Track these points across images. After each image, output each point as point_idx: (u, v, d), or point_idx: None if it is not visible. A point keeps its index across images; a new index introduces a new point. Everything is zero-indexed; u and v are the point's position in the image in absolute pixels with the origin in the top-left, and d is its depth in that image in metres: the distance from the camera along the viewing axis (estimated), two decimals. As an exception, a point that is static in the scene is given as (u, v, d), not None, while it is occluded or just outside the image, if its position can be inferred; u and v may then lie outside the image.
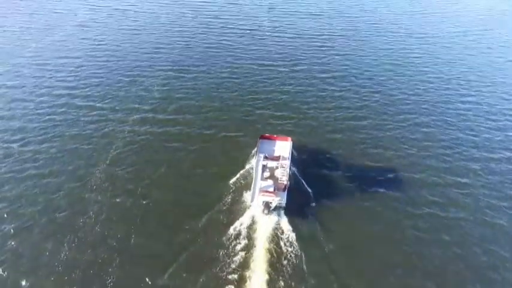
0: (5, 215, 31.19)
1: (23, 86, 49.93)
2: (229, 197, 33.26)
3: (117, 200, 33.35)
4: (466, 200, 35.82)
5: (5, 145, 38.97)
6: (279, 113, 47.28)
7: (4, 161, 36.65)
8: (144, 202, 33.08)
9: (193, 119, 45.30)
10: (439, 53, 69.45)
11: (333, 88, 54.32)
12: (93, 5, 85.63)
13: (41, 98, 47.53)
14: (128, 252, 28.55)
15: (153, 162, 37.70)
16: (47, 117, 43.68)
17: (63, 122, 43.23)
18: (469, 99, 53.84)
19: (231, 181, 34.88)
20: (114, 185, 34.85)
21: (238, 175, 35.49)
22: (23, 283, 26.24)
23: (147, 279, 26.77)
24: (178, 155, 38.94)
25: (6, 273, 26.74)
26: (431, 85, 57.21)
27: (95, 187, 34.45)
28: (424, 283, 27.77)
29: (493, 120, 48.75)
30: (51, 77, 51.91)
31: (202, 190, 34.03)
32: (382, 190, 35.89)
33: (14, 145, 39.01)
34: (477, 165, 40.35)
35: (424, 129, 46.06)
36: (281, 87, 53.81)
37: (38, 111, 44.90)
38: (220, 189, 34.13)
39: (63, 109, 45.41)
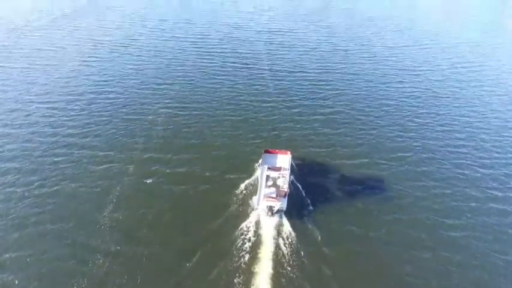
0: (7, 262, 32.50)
1: (22, 124, 51.25)
2: (239, 201, 40.27)
3: (130, 213, 38.57)
4: (462, 209, 41.52)
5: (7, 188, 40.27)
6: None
7: (5, 205, 37.84)
8: (156, 209, 38.91)
9: (201, 147, 50.19)
10: (432, 86, 72.07)
11: (329, 126, 57.27)
12: (97, 40, 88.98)
13: (42, 139, 48.68)
14: (140, 260, 33.15)
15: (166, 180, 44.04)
16: (49, 158, 44.78)
17: (66, 162, 44.78)
18: (461, 135, 56.28)
19: (239, 189, 41.97)
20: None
21: (245, 183, 42.76)
22: None
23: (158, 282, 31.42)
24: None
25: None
26: (422, 120, 60.17)
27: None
28: (428, 282, 32.77)
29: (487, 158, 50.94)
30: (54, 115, 52.90)
31: (213, 198, 40.62)
32: (375, 196, 42.61)
33: (18, 189, 40.09)
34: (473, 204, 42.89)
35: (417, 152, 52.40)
36: (280, 123, 57.35)
37: (40, 151, 46.04)
38: (230, 195, 41.03)
39: (65, 150, 46.77)
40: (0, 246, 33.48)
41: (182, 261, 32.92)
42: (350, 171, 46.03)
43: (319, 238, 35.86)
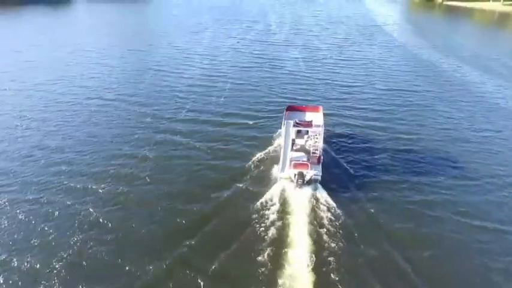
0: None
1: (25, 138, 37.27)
2: (256, 170, 30.06)
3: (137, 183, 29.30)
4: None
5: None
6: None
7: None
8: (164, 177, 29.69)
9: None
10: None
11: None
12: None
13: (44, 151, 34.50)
14: (150, 224, 24.85)
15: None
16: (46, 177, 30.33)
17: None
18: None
19: (257, 156, 31.73)
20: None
21: (266, 149, 32.70)
22: None
23: (166, 251, 22.53)
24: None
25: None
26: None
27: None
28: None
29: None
30: (56, 131, 37.57)
31: (225, 166, 30.91)
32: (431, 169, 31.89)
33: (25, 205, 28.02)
34: None
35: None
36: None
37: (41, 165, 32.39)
38: (244, 163, 31.05)
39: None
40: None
41: (189, 238, 23.36)
42: (399, 142, 36.26)
43: (372, 211, 25.99)
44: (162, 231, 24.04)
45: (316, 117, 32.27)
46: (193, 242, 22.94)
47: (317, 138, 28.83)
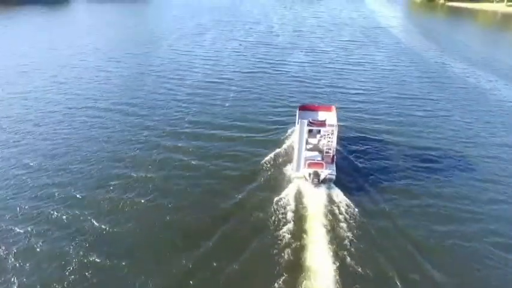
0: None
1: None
2: (269, 170, 29.87)
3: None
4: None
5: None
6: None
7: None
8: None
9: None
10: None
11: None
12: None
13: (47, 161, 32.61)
14: (165, 228, 24.38)
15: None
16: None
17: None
18: None
19: (268, 156, 31.61)
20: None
21: (276, 151, 32.41)
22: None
23: (183, 254, 22.21)
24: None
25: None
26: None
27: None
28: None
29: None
30: (48, 147, 34.37)
31: (236, 167, 30.56)
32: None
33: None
34: None
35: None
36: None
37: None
38: (257, 163, 30.91)
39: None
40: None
41: (203, 240, 23.11)
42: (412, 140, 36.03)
43: (387, 210, 25.88)
44: (181, 232, 23.89)
45: (329, 117, 32.02)
46: (211, 244, 22.69)
47: (330, 137, 28.63)
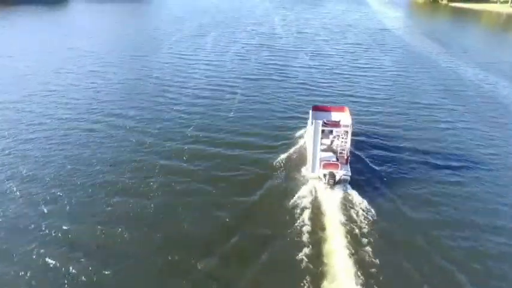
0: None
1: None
2: (282, 174, 29.72)
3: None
4: None
5: None
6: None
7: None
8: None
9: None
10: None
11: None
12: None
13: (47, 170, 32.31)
14: (178, 233, 24.08)
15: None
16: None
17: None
18: None
19: (282, 157, 31.63)
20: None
21: (287, 153, 32.34)
22: None
23: (194, 260, 21.86)
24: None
25: None
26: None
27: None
28: None
29: None
30: (41, 158, 32.20)
31: (249, 170, 30.18)
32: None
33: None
34: None
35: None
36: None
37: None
38: (271, 164, 30.97)
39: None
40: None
41: (223, 243, 22.85)
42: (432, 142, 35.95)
43: (404, 210, 25.92)
44: (195, 237, 23.42)
45: (343, 117, 32.15)
46: (227, 248, 22.44)
47: (344, 138, 28.95)
